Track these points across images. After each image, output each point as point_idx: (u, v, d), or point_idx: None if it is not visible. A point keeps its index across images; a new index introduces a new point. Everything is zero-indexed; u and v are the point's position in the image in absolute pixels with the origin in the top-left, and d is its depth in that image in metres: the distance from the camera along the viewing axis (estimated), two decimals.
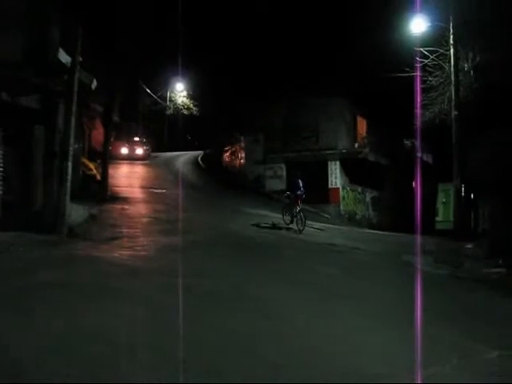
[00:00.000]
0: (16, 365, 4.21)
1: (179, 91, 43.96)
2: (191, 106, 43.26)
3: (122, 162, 32.85)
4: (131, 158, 35.36)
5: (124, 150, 36.21)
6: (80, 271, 8.26)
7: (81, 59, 12.43)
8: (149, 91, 37.44)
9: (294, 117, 29.47)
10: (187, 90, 43.76)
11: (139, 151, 37.40)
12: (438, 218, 22.74)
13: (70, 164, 12.08)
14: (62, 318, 5.46)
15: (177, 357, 4.47)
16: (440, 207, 22.90)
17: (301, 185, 17.61)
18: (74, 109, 12.21)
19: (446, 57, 17.35)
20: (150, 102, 40.01)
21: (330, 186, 28.26)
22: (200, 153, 40.84)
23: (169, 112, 44.31)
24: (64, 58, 12.12)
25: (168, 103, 43.59)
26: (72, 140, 12.28)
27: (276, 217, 19.57)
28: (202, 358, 4.60)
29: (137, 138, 38.22)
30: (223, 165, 35.76)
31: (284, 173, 29.75)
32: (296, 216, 16.97)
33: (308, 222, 19.67)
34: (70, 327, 5.19)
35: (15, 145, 12.01)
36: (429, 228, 19.60)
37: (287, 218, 17.48)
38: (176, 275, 7.59)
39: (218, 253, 10.64)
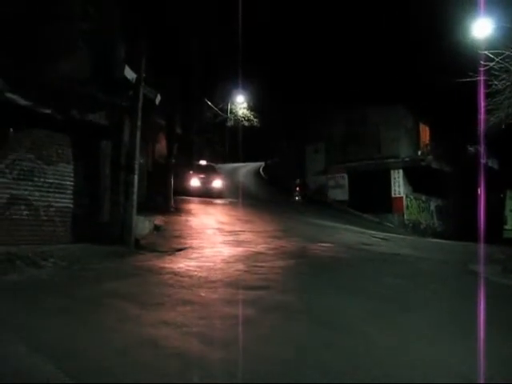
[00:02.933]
0: (81, 371, 4.34)
1: (240, 103, 44.42)
2: (251, 117, 43.62)
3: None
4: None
5: (195, 182, 26.18)
6: (145, 282, 8.45)
7: (145, 75, 12.80)
8: (210, 104, 37.93)
9: (355, 126, 29.30)
10: (247, 102, 44.16)
11: (217, 184, 27.01)
12: (506, 227, 21.95)
13: (135, 177, 12.43)
14: (124, 328, 5.60)
15: (242, 369, 4.51)
16: (509, 215, 22.08)
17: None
18: (139, 123, 12.58)
19: None
20: (211, 115, 40.58)
21: (393, 195, 27.83)
22: (261, 164, 40.98)
23: (229, 124, 44.81)
24: (129, 74, 12.51)
25: (229, 115, 44.11)
26: (137, 154, 12.64)
27: (338, 227, 19.43)
28: (269, 370, 4.61)
29: (203, 162, 29.32)
30: (284, 175, 35.68)
31: (346, 182, 29.53)
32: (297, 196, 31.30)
33: (371, 232, 19.46)
34: (132, 337, 5.29)
35: (84, 159, 12.46)
36: (496, 237, 18.97)
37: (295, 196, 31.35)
38: (241, 286, 7.65)
39: (281, 264, 10.62)
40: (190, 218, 17.94)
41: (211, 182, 26.58)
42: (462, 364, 5.02)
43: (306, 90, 30.63)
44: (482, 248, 13.94)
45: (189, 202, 22.81)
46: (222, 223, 17.35)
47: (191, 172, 26.31)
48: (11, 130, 10.88)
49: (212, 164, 29.77)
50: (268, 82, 35.00)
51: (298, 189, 31.65)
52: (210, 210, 21.44)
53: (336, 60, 29.07)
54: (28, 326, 5.50)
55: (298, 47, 31.79)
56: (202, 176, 26.44)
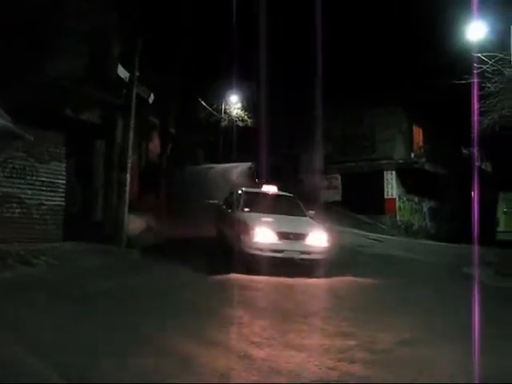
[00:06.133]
0: (73, 366, 4.34)
1: (234, 103, 44.39)
2: (246, 117, 43.59)
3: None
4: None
5: (263, 237, 10.42)
6: (135, 280, 8.49)
7: (138, 74, 12.78)
8: (204, 104, 37.83)
9: (349, 127, 29.31)
10: (241, 102, 44.13)
11: (316, 239, 10.76)
12: (499, 229, 21.96)
13: (128, 176, 12.41)
14: (118, 325, 5.62)
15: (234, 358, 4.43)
16: (501, 217, 22.10)
17: None
18: (132, 122, 12.56)
19: (506, 61, 16.85)
20: (205, 115, 40.53)
21: (386, 197, 27.84)
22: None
23: (223, 124, 44.75)
24: (123, 73, 12.49)
25: (223, 115, 44.09)
26: (130, 153, 12.62)
27: (333, 228, 19.44)
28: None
29: (271, 187, 13.62)
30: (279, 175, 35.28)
31: (339, 183, 29.54)
32: None
33: (364, 233, 19.48)
34: (122, 334, 5.32)
35: (77, 158, 12.45)
36: (489, 239, 19.01)
37: None
38: (234, 286, 7.64)
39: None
40: (182, 218, 17.52)
41: (302, 235, 10.86)
42: (455, 362, 5.05)
43: (301, 91, 30.59)
44: (475, 250, 13.99)
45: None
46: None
47: (246, 209, 11.88)
48: None
49: (288, 194, 13.82)
50: (263, 82, 34.83)
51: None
52: (202, 207, 20.90)
53: (331, 61, 29.08)
54: (19, 324, 5.48)
55: (294, 46, 31.74)
56: (271, 220, 11.15)
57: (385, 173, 27.89)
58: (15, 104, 9.71)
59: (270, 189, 13.51)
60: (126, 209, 12.32)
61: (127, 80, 12.55)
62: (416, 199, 29.56)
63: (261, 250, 10.21)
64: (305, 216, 12.26)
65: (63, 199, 12.18)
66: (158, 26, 17.44)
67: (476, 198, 16.86)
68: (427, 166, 27.64)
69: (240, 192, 13.10)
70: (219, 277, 9.23)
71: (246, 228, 10.64)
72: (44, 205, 11.75)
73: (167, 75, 19.78)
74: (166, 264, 10.19)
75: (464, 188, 24.42)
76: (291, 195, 13.86)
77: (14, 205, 11.21)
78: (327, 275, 10.01)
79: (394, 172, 27.77)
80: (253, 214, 11.38)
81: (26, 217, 11.39)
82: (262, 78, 33.85)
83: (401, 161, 27.92)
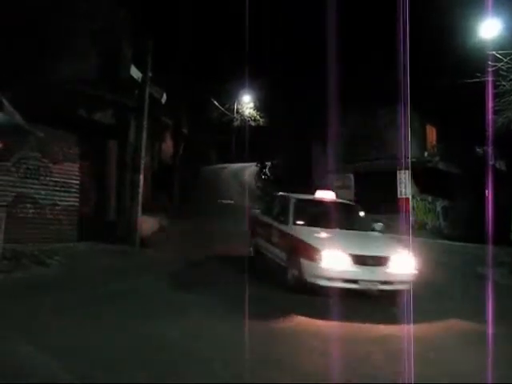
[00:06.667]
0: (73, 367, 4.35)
1: (246, 103, 44.36)
2: (258, 117, 43.55)
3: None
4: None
5: (337, 263, 7.75)
6: (147, 281, 8.51)
7: (151, 74, 12.79)
8: (216, 103, 37.81)
9: (361, 126, 29.16)
10: (254, 102, 44.09)
11: (399, 267, 8.02)
12: None
13: (141, 177, 12.42)
14: (125, 327, 5.68)
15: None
16: None
17: None
18: (145, 123, 12.57)
19: None
20: (218, 114, 40.55)
21: (399, 196, 27.70)
22: (267, 164, 40.86)
23: (236, 123, 44.75)
24: (135, 73, 12.52)
25: (235, 115, 44.10)
26: (143, 153, 12.63)
27: None
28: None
29: (327, 193, 10.72)
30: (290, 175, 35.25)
31: (352, 183, 29.42)
32: None
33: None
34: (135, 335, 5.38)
35: (90, 159, 12.49)
36: (503, 238, 18.83)
37: None
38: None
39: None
40: (194, 219, 17.40)
41: (383, 258, 8.09)
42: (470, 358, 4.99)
43: (312, 90, 30.50)
44: (489, 250, 13.86)
45: None
46: (225, 223, 17.14)
47: (299, 222, 9.37)
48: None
49: (349, 202, 12.68)
50: (274, 83, 34.77)
51: None
52: (215, 207, 20.90)
53: (343, 60, 28.96)
54: (28, 324, 5.51)
55: (305, 45, 31.65)
56: (339, 238, 8.83)
57: (398, 172, 27.75)
58: (27, 103, 9.74)
59: (326, 195, 10.66)
60: (139, 209, 12.35)
61: (140, 80, 12.57)
62: (429, 198, 29.36)
63: (329, 279, 7.70)
64: (374, 230, 9.75)
65: (77, 199, 12.23)
66: (168, 25, 17.48)
67: (490, 197, 16.74)
68: (441, 165, 27.47)
69: (291, 198, 10.10)
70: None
71: (307, 249, 8.09)
72: (58, 205, 11.82)
73: (179, 75, 19.79)
74: (180, 275, 10.13)
75: (478, 187, 24.23)
76: (353, 203, 11.76)
77: (28, 205, 11.28)
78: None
79: (407, 171, 27.61)
80: (311, 230, 8.89)
81: (40, 217, 11.46)
82: (270, 80, 33.99)
83: (414, 160, 27.76)
